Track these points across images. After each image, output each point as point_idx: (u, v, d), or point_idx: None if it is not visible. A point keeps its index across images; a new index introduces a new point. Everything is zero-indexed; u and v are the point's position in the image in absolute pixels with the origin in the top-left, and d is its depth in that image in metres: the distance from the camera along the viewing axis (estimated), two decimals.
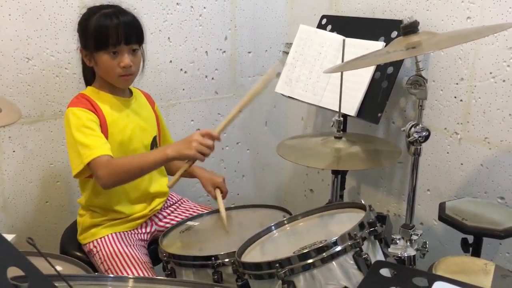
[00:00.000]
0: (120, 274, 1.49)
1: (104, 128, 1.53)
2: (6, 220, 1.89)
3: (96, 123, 1.51)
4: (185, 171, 1.46)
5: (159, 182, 1.72)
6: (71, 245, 1.68)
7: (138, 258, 1.55)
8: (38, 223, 1.97)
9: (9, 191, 1.88)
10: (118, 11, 1.51)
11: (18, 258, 0.58)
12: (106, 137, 1.52)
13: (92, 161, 1.43)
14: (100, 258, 1.57)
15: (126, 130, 1.59)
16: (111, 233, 1.60)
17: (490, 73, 1.62)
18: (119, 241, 1.59)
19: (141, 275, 1.49)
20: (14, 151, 1.85)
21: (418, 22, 1.39)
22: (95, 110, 1.53)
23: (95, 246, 1.59)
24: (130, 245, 1.59)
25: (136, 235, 1.67)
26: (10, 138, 1.83)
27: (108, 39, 1.48)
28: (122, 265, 1.52)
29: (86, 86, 1.64)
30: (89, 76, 1.64)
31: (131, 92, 1.69)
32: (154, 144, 1.69)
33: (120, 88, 1.61)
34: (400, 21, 1.42)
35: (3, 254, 0.56)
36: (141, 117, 1.66)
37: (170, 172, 1.79)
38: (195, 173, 1.75)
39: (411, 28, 1.37)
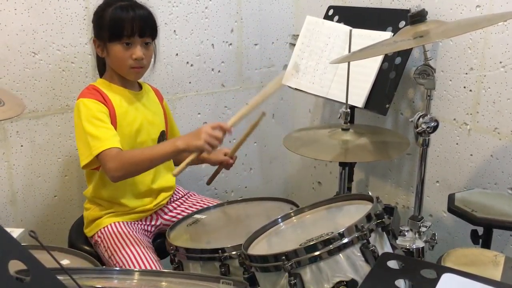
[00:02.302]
0: (123, 257, 1.50)
1: (113, 119, 1.54)
2: (15, 214, 1.90)
3: (107, 114, 1.52)
4: (192, 161, 1.45)
5: (165, 177, 1.72)
6: (79, 239, 1.69)
7: (141, 242, 1.56)
8: (47, 217, 1.98)
9: (17, 186, 1.89)
10: (134, 4, 1.54)
11: (20, 251, 0.57)
12: (115, 128, 1.53)
13: (102, 153, 1.44)
14: (104, 246, 1.58)
15: (135, 123, 1.60)
16: (115, 222, 1.61)
17: (500, 62, 1.60)
18: (121, 228, 1.60)
19: (144, 257, 1.49)
20: (22, 146, 1.86)
21: (426, 11, 1.37)
22: (105, 101, 1.54)
23: (99, 236, 1.60)
24: (133, 231, 1.60)
25: (140, 225, 1.68)
26: (18, 133, 1.84)
27: (123, 31, 1.50)
28: (124, 248, 1.52)
29: (101, 76, 1.67)
30: (102, 68, 1.67)
31: (140, 87, 1.70)
32: (161, 138, 1.70)
33: (130, 81, 1.62)
34: (408, 11, 1.40)
35: (4, 247, 0.56)
36: (150, 111, 1.67)
37: (178, 164, 1.79)
38: (201, 157, 1.73)
39: (419, 17, 1.35)
